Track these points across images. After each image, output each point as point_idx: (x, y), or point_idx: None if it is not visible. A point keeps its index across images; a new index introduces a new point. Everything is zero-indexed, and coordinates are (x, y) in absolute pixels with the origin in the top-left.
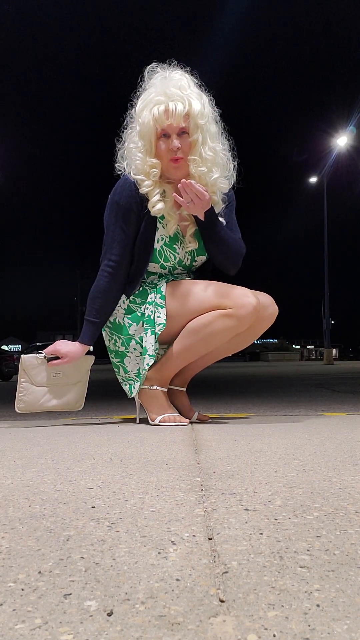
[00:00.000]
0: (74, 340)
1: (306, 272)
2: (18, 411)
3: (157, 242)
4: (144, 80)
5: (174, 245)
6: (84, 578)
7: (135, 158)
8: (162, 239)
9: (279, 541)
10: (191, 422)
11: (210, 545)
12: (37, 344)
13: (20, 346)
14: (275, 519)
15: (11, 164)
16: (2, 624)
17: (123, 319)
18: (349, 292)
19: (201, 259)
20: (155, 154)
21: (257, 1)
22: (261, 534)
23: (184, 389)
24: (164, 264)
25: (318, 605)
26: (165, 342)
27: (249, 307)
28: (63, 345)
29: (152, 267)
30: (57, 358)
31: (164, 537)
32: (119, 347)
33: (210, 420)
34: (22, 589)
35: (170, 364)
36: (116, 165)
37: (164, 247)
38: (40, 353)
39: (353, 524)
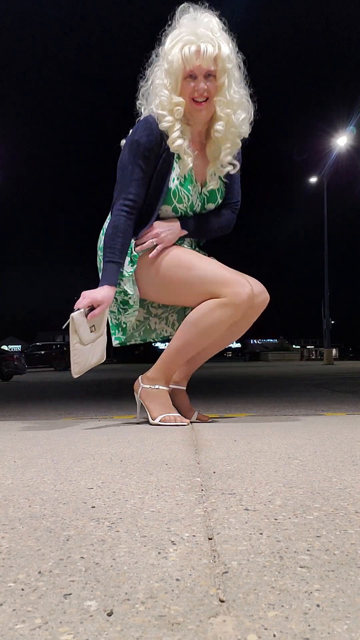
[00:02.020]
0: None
1: (306, 272)
2: (75, 376)
3: (172, 182)
4: (173, 19)
5: (188, 187)
6: (84, 578)
7: (161, 94)
8: (177, 178)
9: (279, 541)
10: (191, 422)
11: (210, 545)
12: (37, 343)
13: (20, 346)
14: (275, 519)
15: (11, 164)
16: (2, 624)
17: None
18: (349, 292)
19: (210, 207)
20: (180, 93)
21: (257, 1)
22: (261, 534)
23: (184, 388)
24: (177, 205)
25: (318, 605)
26: (155, 300)
27: (244, 295)
28: (95, 294)
29: (165, 211)
30: (91, 309)
31: (164, 537)
32: None
33: (210, 420)
34: (22, 589)
35: (172, 360)
36: (137, 102)
37: (178, 187)
38: (78, 309)
39: (353, 524)
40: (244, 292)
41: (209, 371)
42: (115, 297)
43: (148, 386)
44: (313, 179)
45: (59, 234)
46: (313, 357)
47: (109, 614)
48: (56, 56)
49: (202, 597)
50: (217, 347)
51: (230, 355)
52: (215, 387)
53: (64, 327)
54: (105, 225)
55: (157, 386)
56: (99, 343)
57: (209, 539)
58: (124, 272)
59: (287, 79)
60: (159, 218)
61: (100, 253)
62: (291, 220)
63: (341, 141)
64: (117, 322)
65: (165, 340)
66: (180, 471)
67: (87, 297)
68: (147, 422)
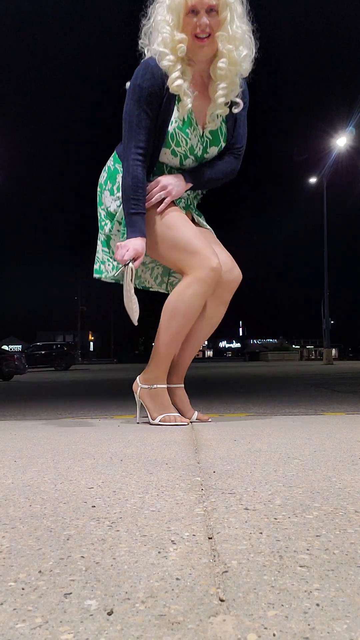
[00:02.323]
0: (74, 340)
1: (306, 272)
2: (136, 323)
3: (171, 125)
4: None
5: (187, 130)
6: (84, 577)
7: (163, 31)
8: (176, 121)
9: (279, 540)
10: (191, 422)
11: (210, 544)
12: (38, 343)
13: (20, 346)
14: (275, 519)
15: (11, 164)
16: (2, 623)
17: (118, 207)
18: (349, 292)
19: (213, 150)
20: (182, 29)
21: (257, 1)
22: (261, 533)
23: (182, 386)
24: (175, 149)
25: (318, 605)
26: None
27: (207, 268)
28: (136, 245)
29: (165, 154)
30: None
31: (164, 537)
32: (106, 230)
33: (210, 420)
34: (23, 588)
35: (162, 354)
36: (139, 42)
37: (176, 130)
38: (128, 261)
39: (352, 524)
40: (209, 264)
41: (209, 371)
42: (113, 234)
43: (146, 386)
44: (313, 179)
45: (59, 234)
46: (313, 357)
47: (109, 613)
48: (56, 56)
49: (202, 596)
50: (201, 335)
51: (230, 355)
52: (215, 387)
53: (116, 274)
54: (109, 164)
55: (155, 385)
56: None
57: (209, 538)
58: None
59: (287, 79)
60: (158, 162)
61: (100, 190)
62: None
63: (341, 142)
64: (107, 258)
65: (143, 286)
66: (180, 471)
67: (132, 248)
68: (148, 422)
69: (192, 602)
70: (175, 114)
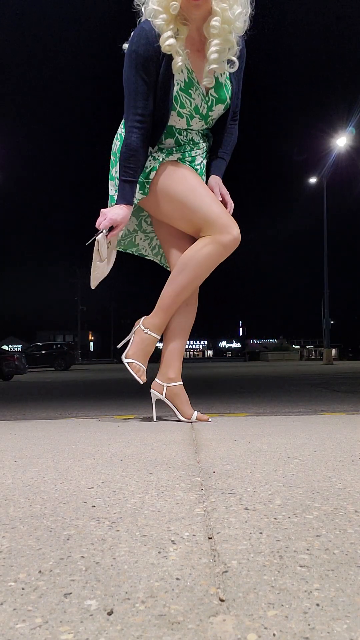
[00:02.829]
0: (74, 340)
1: (306, 272)
2: (93, 287)
3: (174, 88)
4: None
5: (189, 91)
6: (84, 577)
7: None
8: (177, 83)
9: (279, 540)
10: (191, 422)
11: (210, 544)
12: (38, 343)
13: (20, 346)
14: (275, 519)
15: (11, 164)
16: (2, 623)
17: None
18: (349, 292)
19: (219, 108)
20: None
21: (257, 1)
22: (261, 533)
23: (181, 383)
24: (180, 110)
25: (318, 605)
26: (152, 212)
27: (230, 236)
28: (115, 215)
29: (172, 117)
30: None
31: (164, 537)
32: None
33: (210, 420)
34: (23, 588)
35: (165, 304)
36: (134, 1)
37: (179, 92)
38: (100, 231)
39: (352, 524)
40: (232, 231)
41: (209, 371)
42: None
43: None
44: (313, 179)
45: (59, 234)
46: (313, 357)
47: (109, 613)
48: (56, 55)
49: (202, 596)
50: (189, 322)
51: (230, 355)
52: (215, 387)
53: (87, 244)
54: (120, 131)
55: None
56: (112, 254)
57: (209, 538)
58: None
59: (287, 79)
60: (168, 126)
61: (113, 158)
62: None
63: (340, 142)
64: None
65: (139, 253)
66: (180, 471)
67: (108, 217)
68: (149, 420)
69: (192, 602)
70: (175, 76)
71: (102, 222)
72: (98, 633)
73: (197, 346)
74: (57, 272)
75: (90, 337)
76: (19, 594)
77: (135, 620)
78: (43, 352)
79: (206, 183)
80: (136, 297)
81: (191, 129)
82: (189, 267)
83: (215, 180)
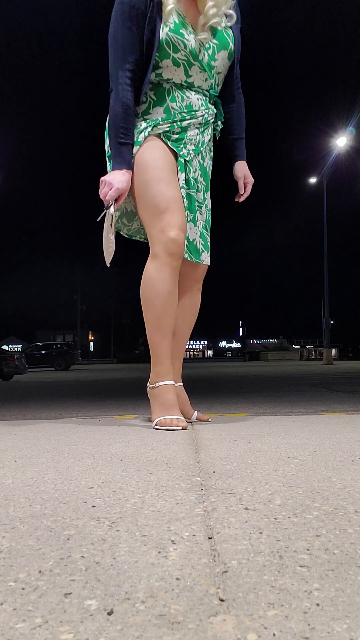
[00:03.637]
0: (74, 340)
1: (306, 272)
2: (108, 265)
3: (162, 32)
4: None
5: (181, 31)
6: (84, 577)
7: None
8: (167, 25)
9: (279, 540)
10: (191, 422)
11: (210, 544)
12: (38, 343)
13: (20, 346)
14: (275, 519)
15: (10, 163)
16: (2, 623)
17: None
18: (349, 292)
19: (222, 56)
20: None
21: (258, 2)
22: (261, 533)
23: (180, 384)
24: (174, 56)
25: (318, 605)
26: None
27: (162, 244)
28: (119, 183)
29: (167, 67)
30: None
31: (164, 537)
32: None
33: (210, 420)
34: (23, 588)
35: (153, 349)
36: None
37: (169, 34)
38: (110, 203)
39: (352, 523)
40: (165, 237)
41: (208, 370)
42: None
43: (150, 386)
44: (313, 179)
45: (59, 234)
46: (313, 357)
47: (109, 613)
48: (56, 55)
49: (202, 596)
50: (184, 325)
51: (230, 355)
52: (215, 387)
53: (99, 220)
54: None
55: (157, 384)
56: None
57: (209, 538)
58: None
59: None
60: (164, 82)
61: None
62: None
63: (340, 142)
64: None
65: (129, 235)
66: (180, 471)
67: (115, 187)
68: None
69: (192, 602)
70: (166, 19)
71: (108, 192)
72: (98, 633)
73: (197, 346)
74: (57, 272)
75: (90, 337)
76: (19, 594)
77: (135, 620)
78: (43, 352)
79: (232, 166)
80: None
81: (192, 86)
82: (149, 301)
83: (241, 168)
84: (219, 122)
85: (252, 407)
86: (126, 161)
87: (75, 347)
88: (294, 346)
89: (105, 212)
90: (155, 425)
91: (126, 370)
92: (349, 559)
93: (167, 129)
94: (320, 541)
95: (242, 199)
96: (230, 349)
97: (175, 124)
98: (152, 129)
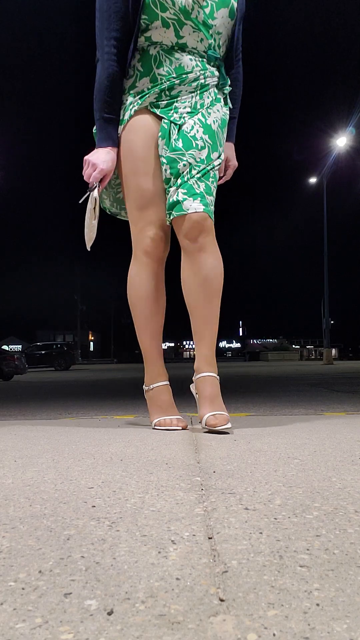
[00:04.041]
0: (74, 340)
1: (306, 272)
2: (89, 249)
3: None
4: None
5: None
6: (84, 577)
7: None
8: None
9: (279, 540)
10: (222, 430)
11: (210, 544)
12: (38, 343)
13: (20, 346)
14: (275, 519)
15: (10, 163)
16: (2, 623)
17: None
18: (349, 292)
19: (222, 14)
20: None
21: (258, 2)
22: (261, 533)
23: (210, 374)
24: (163, 15)
25: (318, 605)
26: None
27: (141, 245)
28: (103, 162)
29: (156, 28)
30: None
31: (164, 537)
32: None
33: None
34: (23, 588)
35: (143, 350)
36: None
37: None
38: (94, 185)
39: (352, 523)
40: (142, 237)
41: None
42: None
43: (145, 388)
44: (313, 179)
45: (59, 234)
46: (312, 357)
47: (109, 613)
48: (56, 53)
49: (202, 596)
50: (202, 301)
51: (230, 355)
52: None
53: (81, 202)
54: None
55: (151, 386)
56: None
57: (209, 538)
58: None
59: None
60: (153, 43)
61: None
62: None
63: (340, 142)
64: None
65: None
66: (180, 471)
67: (99, 168)
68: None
69: (192, 602)
70: None
71: (92, 173)
72: (98, 633)
73: None
74: (57, 272)
75: (90, 337)
76: (19, 594)
77: (135, 620)
78: (43, 352)
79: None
80: None
81: (184, 48)
82: (131, 306)
83: (226, 150)
84: (227, 86)
85: (252, 407)
86: (112, 138)
87: (75, 347)
88: (294, 346)
89: (89, 194)
90: (155, 426)
91: (126, 370)
92: (349, 559)
93: (154, 99)
94: (320, 541)
95: (221, 181)
96: (230, 349)
97: (163, 93)
98: (138, 105)
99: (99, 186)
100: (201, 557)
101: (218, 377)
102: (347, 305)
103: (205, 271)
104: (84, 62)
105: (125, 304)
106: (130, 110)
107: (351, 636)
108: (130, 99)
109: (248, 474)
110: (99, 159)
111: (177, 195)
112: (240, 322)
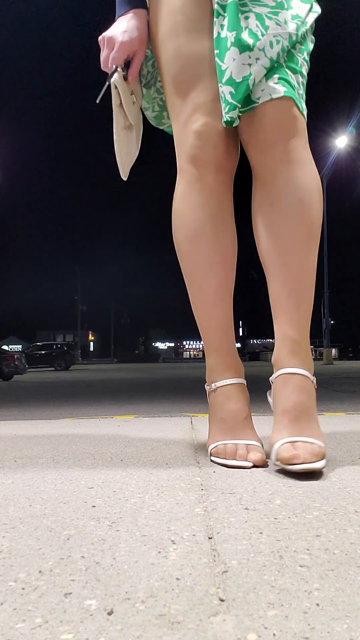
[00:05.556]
0: (74, 340)
1: None
2: (125, 177)
3: None
4: None
5: None
6: (84, 577)
7: None
8: None
9: (279, 540)
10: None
11: (210, 544)
12: (38, 343)
13: (20, 346)
14: (275, 518)
15: (10, 162)
16: (2, 623)
17: None
18: (349, 292)
19: None
20: None
21: None
22: (261, 533)
23: (294, 370)
24: None
25: (318, 605)
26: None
27: (186, 149)
28: (120, 32)
29: None
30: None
31: (164, 537)
32: None
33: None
34: (23, 588)
35: (201, 329)
36: None
37: None
38: (114, 69)
39: (352, 523)
40: (187, 136)
41: None
42: None
43: (207, 387)
44: None
45: (59, 234)
46: (313, 357)
47: (109, 613)
48: (57, 52)
49: (202, 596)
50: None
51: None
52: None
53: (98, 100)
54: None
55: (213, 385)
56: (139, 117)
57: (209, 538)
58: None
59: None
60: None
61: None
62: None
63: (340, 142)
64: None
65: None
66: (180, 471)
67: (118, 42)
68: (154, 416)
69: (192, 602)
70: None
71: (111, 54)
72: (98, 633)
73: (197, 346)
74: (57, 272)
75: (90, 337)
76: (19, 593)
77: (135, 620)
78: (43, 352)
79: None
80: (137, 296)
81: None
82: (177, 250)
83: None
84: None
85: (252, 407)
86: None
87: (75, 347)
88: None
89: (109, 85)
90: (211, 455)
91: (126, 370)
92: (349, 559)
93: None
94: (320, 541)
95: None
96: None
97: None
98: None
99: (126, 70)
100: (201, 557)
101: (313, 377)
102: (347, 305)
103: (299, 194)
104: (84, 62)
105: (125, 304)
106: None
107: (351, 636)
108: None
109: (248, 473)
110: (116, 31)
111: (235, 84)
112: (240, 322)
